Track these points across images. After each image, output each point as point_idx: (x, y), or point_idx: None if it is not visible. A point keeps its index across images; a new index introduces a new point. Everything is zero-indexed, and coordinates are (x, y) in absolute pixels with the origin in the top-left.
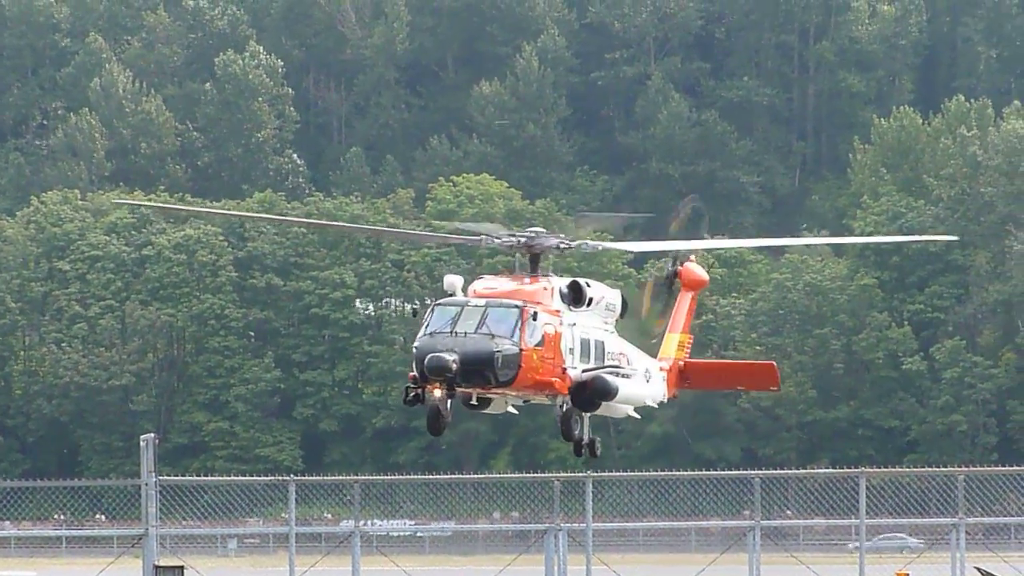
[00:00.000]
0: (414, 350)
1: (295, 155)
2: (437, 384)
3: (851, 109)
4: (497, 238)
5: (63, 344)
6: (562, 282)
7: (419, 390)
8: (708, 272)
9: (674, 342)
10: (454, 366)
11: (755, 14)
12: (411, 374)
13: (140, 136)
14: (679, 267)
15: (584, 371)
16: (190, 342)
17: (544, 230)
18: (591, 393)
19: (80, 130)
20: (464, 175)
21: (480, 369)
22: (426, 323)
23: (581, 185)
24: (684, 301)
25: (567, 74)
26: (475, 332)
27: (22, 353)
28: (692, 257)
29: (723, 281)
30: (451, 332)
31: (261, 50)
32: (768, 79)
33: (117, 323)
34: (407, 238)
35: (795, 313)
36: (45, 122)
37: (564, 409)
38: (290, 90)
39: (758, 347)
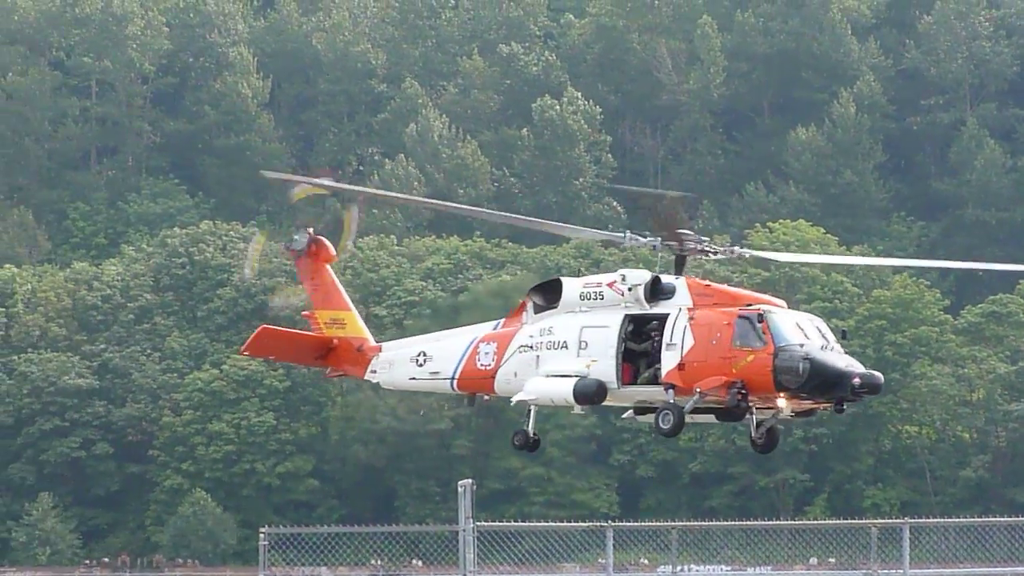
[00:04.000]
0: (805, 363)
1: (614, 201)
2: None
3: None
4: (640, 237)
5: (379, 390)
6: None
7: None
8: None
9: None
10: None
11: None
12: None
13: (456, 181)
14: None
15: None
16: None
17: (691, 233)
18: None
19: (396, 176)
20: (780, 221)
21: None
22: (774, 332)
23: (897, 231)
24: (330, 276)
25: (882, 120)
26: (834, 345)
27: (339, 399)
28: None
29: None
30: (824, 347)
31: (579, 96)
32: None
33: None
34: (553, 230)
35: None
36: (361, 167)
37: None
38: (607, 136)
39: None
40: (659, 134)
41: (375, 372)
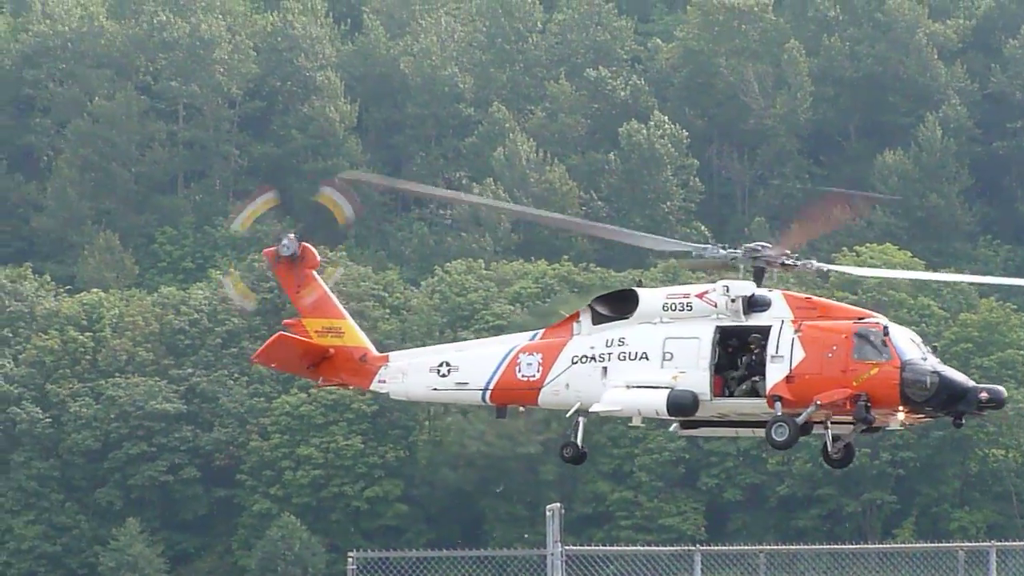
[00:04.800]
0: (934, 376)
1: (701, 226)
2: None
3: None
4: (722, 249)
5: (468, 414)
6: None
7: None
8: None
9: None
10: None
11: None
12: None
13: (543, 206)
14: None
15: None
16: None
17: (768, 244)
18: None
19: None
20: (868, 245)
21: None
22: (897, 346)
23: (984, 255)
24: (321, 283)
25: (969, 143)
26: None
27: (427, 423)
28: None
29: None
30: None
31: (666, 120)
32: None
33: None
34: (633, 241)
35: None
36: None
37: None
38: (694, 160)
39: None
40: (746, 158)
41: (384, 382)
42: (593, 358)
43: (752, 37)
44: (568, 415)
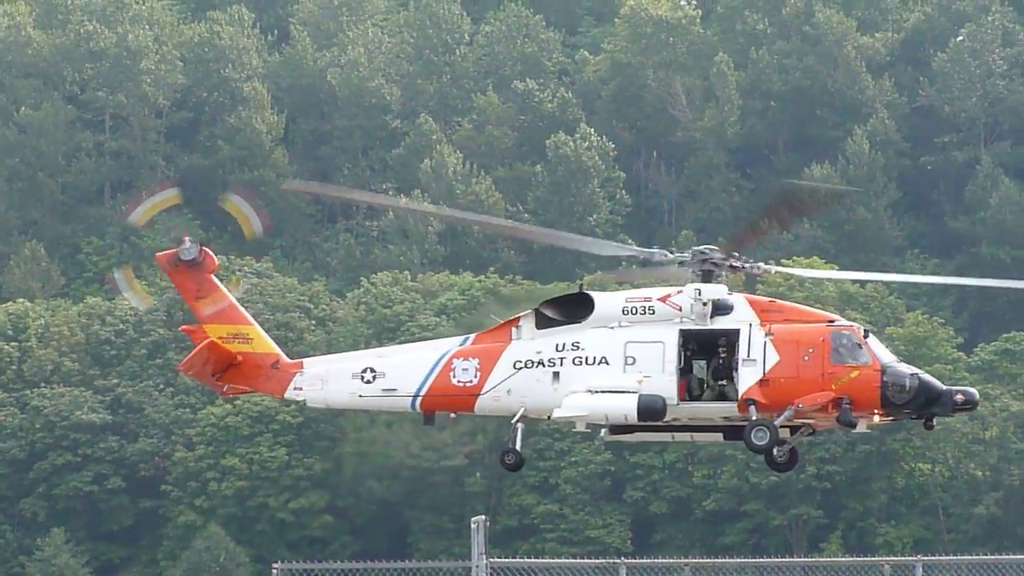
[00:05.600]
0: (913, 379)
1: (628, 239)
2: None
3: None
4: (670, 252)
5: (393, 425)
6: None
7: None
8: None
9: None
10: None
11: None
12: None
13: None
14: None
15: None
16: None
17: (716, 247)
18: None
19: (411, 212)
20: (795, 258)
21: None
22: (874, 350)
23: (911, 269)
24: (223, 289)
25: (897, 157)
26: None
27: (352, 435)
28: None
29: None
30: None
31: (592, 132)
32: None
33: None
34: (587, 247)
35: None
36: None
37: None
38: (621, 173)
39: None
40: (674, 171)
41: (300, 389)
42: (541, 363)
43: (680, 50)
44: (514, 421)
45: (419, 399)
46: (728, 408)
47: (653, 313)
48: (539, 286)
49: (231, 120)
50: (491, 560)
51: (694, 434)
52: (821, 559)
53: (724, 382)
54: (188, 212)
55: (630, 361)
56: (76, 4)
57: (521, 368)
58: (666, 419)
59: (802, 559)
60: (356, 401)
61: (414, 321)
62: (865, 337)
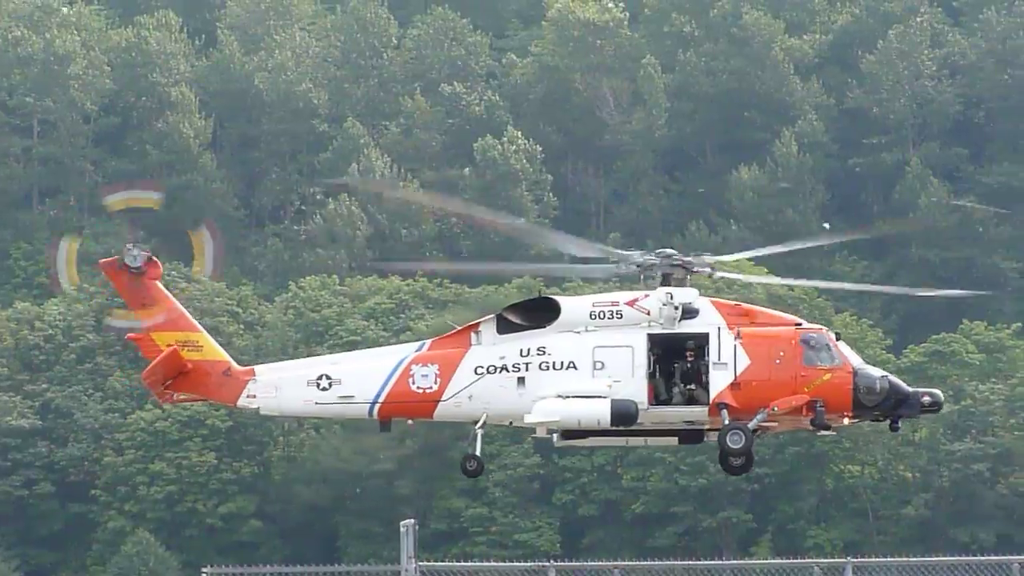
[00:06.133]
0: (884, 381)
1: None
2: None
3: None
4: (633, 254)
5: (321, 430)
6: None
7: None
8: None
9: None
10: None
11: (1014, 98)
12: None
13: (398, 222)
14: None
15: None
16: (449, 428)
17: (674, 251)
18: None
19: (339, 215)
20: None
21: None
22: (844, 353)
23: (840, 271)
24: (170, 296)
25: (825, 159)
26: None
27: (281, 439)
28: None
29: (982, 367)
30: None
31: (519, 135)
32: None
33: None
34: (563, 245)
35: None
36: (303, 207)
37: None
38: (549, 176)
39: (1017, 432)
40: (602, 174)
41: (253, 397)
42: (504, 368)
43: (608, 53)
44: (478, 426)
45: (377, 406)
46: (698, 412)
47: (621, 317)
48: (468, 289)
49: (159, 125)
50: (420, 564)
51: (648, 438)
52: (751, 562)
53: (693, 386)
54: (116, 217)
55: (599, 366)
56: (4, 9)
57: (483, 374)
58: (640, 423)
59: (731, 562)
60: (311, 408)
61: (342, 325)
62: (838, 339)
